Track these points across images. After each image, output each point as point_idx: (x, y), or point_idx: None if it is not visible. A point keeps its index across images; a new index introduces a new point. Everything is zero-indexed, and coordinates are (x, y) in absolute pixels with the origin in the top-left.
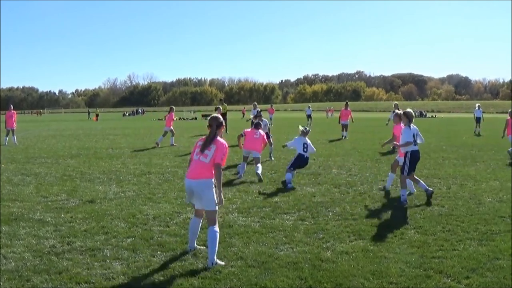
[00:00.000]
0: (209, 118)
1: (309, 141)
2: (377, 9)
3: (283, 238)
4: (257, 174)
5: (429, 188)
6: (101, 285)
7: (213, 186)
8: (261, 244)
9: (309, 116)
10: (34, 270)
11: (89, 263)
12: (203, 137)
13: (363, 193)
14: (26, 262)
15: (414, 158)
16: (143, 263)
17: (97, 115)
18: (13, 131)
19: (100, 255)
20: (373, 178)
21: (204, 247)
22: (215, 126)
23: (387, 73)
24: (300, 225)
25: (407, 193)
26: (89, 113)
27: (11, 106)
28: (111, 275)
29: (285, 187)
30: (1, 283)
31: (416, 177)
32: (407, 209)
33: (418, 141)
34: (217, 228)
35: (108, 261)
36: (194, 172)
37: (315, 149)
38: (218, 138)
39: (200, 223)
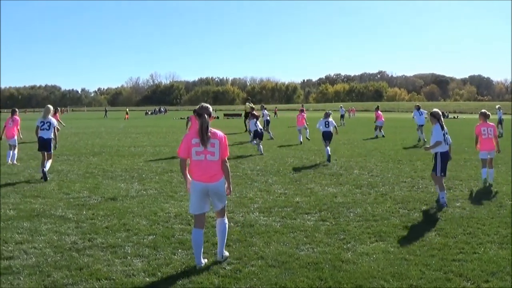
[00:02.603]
0: (198, 107)
1: (331, 120)
2: (400, 9)
3: (304, 238)
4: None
5: (446, 203)
6: (122, 281)
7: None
8: (281, 244)
9: (342, 116)
10: (55, 266)
11: (109, 260)
12: (192, 132)
13: (385, 194)
14: (47, 257)
15: (444, 158)
16: (164, 260)
17: (127, 113)
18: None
19: (121, 252)
20: (395, 179)
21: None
22: (206, 115)
23: (409, 73)
24: (321, 225)
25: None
26: (106, 111)
27: (16, 110)
28: (131, 272)
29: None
30: (22, 278)
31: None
32: (429, 211)
33: (448, 142)
34: (227, 220)
35: (129, 258)
36: (209, 175)
37: (335, 124)
38: (215, 130)
39: (203, 233)
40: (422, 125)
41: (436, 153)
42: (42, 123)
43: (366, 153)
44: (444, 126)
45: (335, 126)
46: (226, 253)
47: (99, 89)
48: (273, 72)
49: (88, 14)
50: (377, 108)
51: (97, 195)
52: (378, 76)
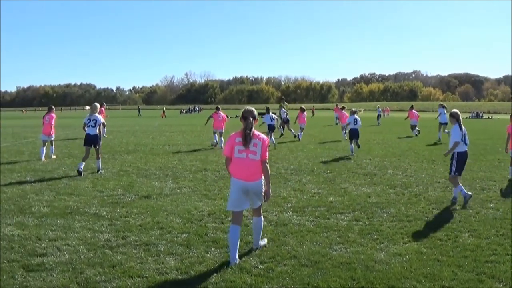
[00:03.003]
0: (243, 110)
1: (358, 117)
2: (434, 8)
3: (337, 238)
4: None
5: (456, 198)
6: (154, 279)
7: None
8: (314, 243)
9: (379, 116)
10: (88, 263)
11: (143, 258)
12: (237, 132)
13: (419, 194)
14: (80, 255)
15: (461, 158)
16: (197, 259)
17: (164, 112)
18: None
19: (154, 250)
20: (429, 180)
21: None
22: (251, 118)
23: (444, 73)
24: (355, 225)
25: (461, 194)
26: (139, 110)
27: (52, 107)
28: (164, 270)
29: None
30: (55, 275)
31: (459, 182)
32: (462, 212)
33: (467, 142)
34: (262, 218)
35: (162, 256)
36: (249, 173)
37: (360, 124)
38: (257, 132)
39: (239, 231)
40: (444, 123)
41: (453, 153)
42: (88, 120)
43: (400, 153)
44: (463, 127)
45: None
46: (263, 242)
47: (133, 87)
48: (307, 71)
49: (124, 13)
50: (412, 108)
51: (131, 193)
52: (413, 75)
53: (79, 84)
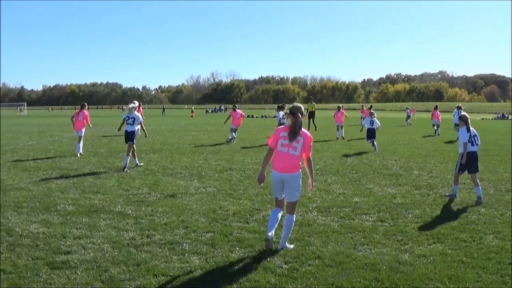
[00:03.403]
0: (291, 106)
1: (375, 119)
2: (460, 8)
3: (362, 239)
4: None
5: (455, 195)
6: (179, 278)
7: (301, 176)
8: (339, 244)
9: (408, 116)
10: (112, 261)
11: (167, 256)
12: (283, 126)
13: (444, 195)
14: (104, 253)
15: (468, 158)
16: (221, 258)
17: (192, 111)
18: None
19: (179, 249)
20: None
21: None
22: (299, 114)
23: (470, 73)
24: (380, 226)
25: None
26: (163, 109)
27: (85, 104)
28: (188, 269)
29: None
30: (79, 273)
31: (459, 181)
32: (487, 213)
33: (478, 143)
34: (294, 218)
35: (186, 255)
36: (286, 166)
37: (379, 124)
38: (303, 129)
39: (281, 214)
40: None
41: (461, 154)
42: (127, 118)
43: (426, 153)
44: (471, 129)
45: (378, 126)
46: (290, 246)
47: (160, 87)
48: (333, 71)
49: (150, 13)
50: (436, 108)
51: (157, 192)
52: (439, 76)
53: (105, 83)
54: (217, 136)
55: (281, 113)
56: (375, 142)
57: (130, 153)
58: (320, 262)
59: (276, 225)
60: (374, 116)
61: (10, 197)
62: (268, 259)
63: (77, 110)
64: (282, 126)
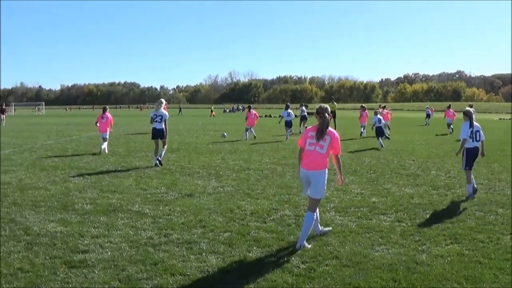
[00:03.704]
0: (318, 107)
1: (381, 117)
2: (477, 8)
3: (379, 239)
4: None
5: (472, 193)
6: (196, 278)
7: (326, 175)
8: (356, 244)
9: (428, 116)
10: (130, 260)
11: (185, 256)
12: (312, 126)
13: (462, 196)
14: (122, 252)
15: (470, 153)
16: (239, 258)
17: (212, 111)
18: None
19: (196, 248)
20: None
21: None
22: (326, 115)
23: (488, 73)
24: (397, 226)
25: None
26: (180, 109)
27: (107, 107)
28: (206, 268)
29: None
30: (96, 272)
31: (472, 179)
32: (504, 214)
33: (478, 139)
34: (315, 216)
35: (204, 254)
36: (312, 163)
37: (384, 122)
38: (330, 128)
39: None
40: None
41: (464, 149)
42: (155, 116)
43: (444, 154)
44: (474, 124)
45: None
46: (306, 245)
47: (177, 86)
48: (351, 71)
49: (168, 12)
50: (449, 107)
51: (174, 191)
52: (457, 76)
53: (123, 82)
54: (235, 136)
55: (287, 111)
56: (381, 139)
57: (162, 146)
58: (338, 262)
59: (318, 221)
60: (379, 115)
61: (28, 196)
62: (286, 259)
63: (100, 114)
64: (310, 127)
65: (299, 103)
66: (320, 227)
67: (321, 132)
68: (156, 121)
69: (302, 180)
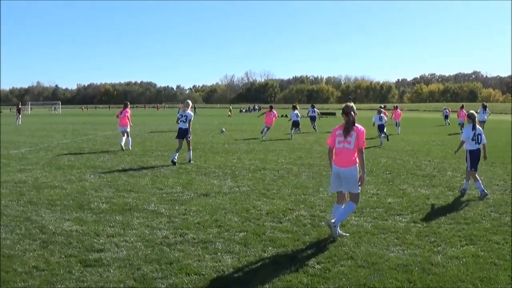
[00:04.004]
0: (344, 106)
1: (382, 115)
2: (494, 9)
3: (395, 240)
4: None
5: (485, 191)
6: (211, 277)
7: (358, 170)
8: (372, 244)
9: (446, 117)
10: (145, 260)
11: (200, 255)
12: (339, 125)
13: (477, 197)
14: (137, 251)
15: (473, 155)
16: (254, 257)
17: (230, 111)
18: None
19: (212, 248)
20: (488, 182)
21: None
22: (352, 113)
23: (504, 74)
24: (413, 227)
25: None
26: (195, 108)
27: (128, 103)
28: (221, 268)
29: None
30: (112, 271)
31: (477, 176)
32: None
33: (480, 141)
34: (355, 206)
35: (219, 254)
36: (343, 161)
37: (386, 119)
38: (357, 124)
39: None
40: (482, 122)
41: (466, 151)
42: (181, 116)
43: (460, 154)
44: (477, 127)
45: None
46: (344, 234)
47: (194, 86)
48: (367, 71)
49: (184, 12)
50: (462, 107)
51: (190, 190)
52: (473, 76)
53: (139, 82)
54: (251, 136)
55: (295, 112)
56: (383, 134)
57: (187, 147)
58: (353, 262)
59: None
60: (382, 113)
61: (44, 194)
62: (301, 259)
63: (120, 109)
64: (337, 126)
65: (309, 104)
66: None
67: (347, 129)
68: (182, 121)
69: (333, 176)
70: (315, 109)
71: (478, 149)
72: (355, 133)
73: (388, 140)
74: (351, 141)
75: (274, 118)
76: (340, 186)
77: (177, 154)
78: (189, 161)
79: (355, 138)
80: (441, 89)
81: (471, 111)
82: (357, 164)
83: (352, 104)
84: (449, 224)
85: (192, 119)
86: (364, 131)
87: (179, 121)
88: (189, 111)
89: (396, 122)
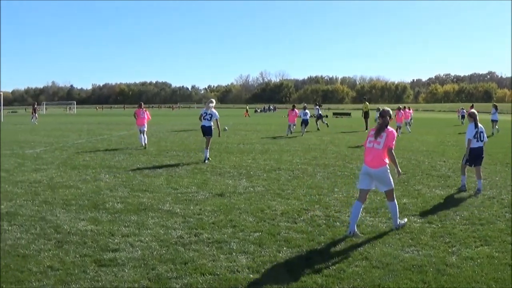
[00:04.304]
0: (381, 110)
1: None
2: (509, 9)
3: (409, 240)
4: None
5: (465, 186)
6: (226, 277)
7: (388, 169)
8: (386, 245)
9: (463, 117)
10: (160, 259)
11: (215, 255)
12: (375, 126)
13: (492, 197)
14: (152, 251)
15: (472, 152)
16: (269, 258)
17: (247, 111)
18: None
19: (227, 248)
20: (503, 183)
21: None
22: (388, 117)
23: None
24: (427, 228)
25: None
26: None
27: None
28: (236, 268)
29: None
30: (126, 270)
31: (466, 172)
32: None
33: (482, 139)
34: (395, 202)
35: (234, 254)
36: (374, 161)
37: (405, 120)
38: (388, 127)
39: (362, 208)
40: (494, 121)
41: (468, 147)
42: (205, 114)
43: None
44: (479, 125)
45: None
46: (403, 221)
47: (209, 86)
48: (382, 71)
49: (199, 12)
50: (471, 106)
51: (205, 190)
52: (488, 76)
53: (154, 82)
54: (266, 136)
55: (304, 111)
56: None
57: (205, 145)
58: (367, 263)
59: (357, 219)
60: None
61: (59, 194)
62: (315, 259)
63: (137, 109)
64: (374, 127)
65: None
66: (354, 227)
67: (378, 130)
68: (206, 119)
69: (361, 174)
70: (307, 111)
71: (480, 147)
72: (385, 134)
73: None
74: (380, 141)
75: (296, 116)
76: (369, 185)
77: (208, 151)
78: (205, 160)
79: (384, 138)
80: (456, 89)
81: (472, 110)
82: (387, 164)
83: (388, 108)
84: (464, 225)
85: (218, 117)
86: (395, 134)
87: (202, 119)
88: (213, 109)
89: (406, 122)
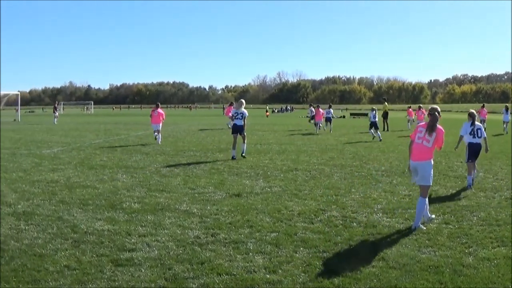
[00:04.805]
0: (430, 108)
1: (375, 113)
2: None
3: (426, 241)
4: None
5: (471, 185)
6: (242, 277)
7: (432, 165)
8: (403, 246)
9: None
10: (177, 259)
11: (231, 255)
12: (424, 123)
13: (509, 198)
14: (169, 251)
15: (471, 148)
16: (285, 258)
17: (267, 111)
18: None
19: (243, 248)
20: None
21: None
22: (436, 113)
23: None
24: (444, 228)
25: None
26: (223, 108)
27: (159, 104)
28: (252, 268)
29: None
30: (143, 270)
31: (473, 168)
32: None
33: (480, 135)
34: (426, 200)
35: (250, 254)
36: (419, 155)
37: (377, 118)
38: (439, 126)
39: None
40: (506, 122)
41: (466, 145)
42: (236, 113)
43: (492, 155)
44: (476, 123)
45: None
46: (422, 226)
47: (226, 86)
48: (400, 71)
49: (217, 13)
50: (483, 106)
51: (222, 191)
52: (505, 77)
53: (172, 82)
54: (283, 136)
55: (327, 110)
56: (378, 132)
57: (242, 141)
58: (384, 263)
59: (423, 214)
60: (375, 112)
61: (76, 194)
62: (332, 260)
63: (152, 109)
64: (423, 123)
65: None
66: (428, 213)
67: (430, 128)
68: (238, 118)
69: (411, 169)
70: (331, 110)
71: (478, 143)
72: (436, 134)
73: (377, 139)
74: (430, 139)
75: (322, 115)
76: (415, 178)
77: (235, 150)
78: (242, 153)
79: (434, 138)
80: (474, 89)
81: (471, 110)
82: (432, 159)
83: (436, 106)
84: (480, 226)
85: (247, 116)
86: (444, 132)
87: (234, 118)
88: (243, 109)
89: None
